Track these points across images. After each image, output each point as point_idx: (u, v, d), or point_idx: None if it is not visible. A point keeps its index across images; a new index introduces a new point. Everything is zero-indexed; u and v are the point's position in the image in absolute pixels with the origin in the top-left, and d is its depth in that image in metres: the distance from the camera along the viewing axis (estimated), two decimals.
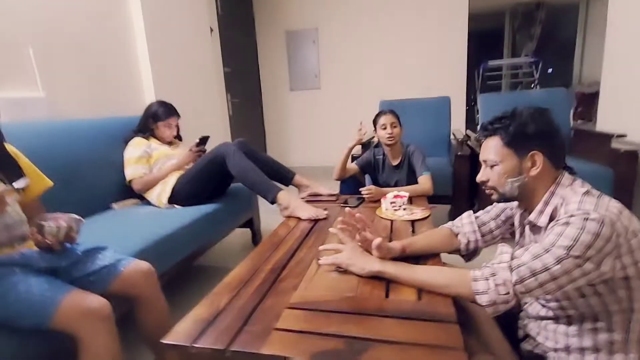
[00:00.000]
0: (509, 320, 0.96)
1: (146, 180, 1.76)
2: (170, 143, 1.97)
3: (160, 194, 1.74)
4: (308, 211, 1.42)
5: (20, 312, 0.80)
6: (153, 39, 2.35)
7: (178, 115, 1.94)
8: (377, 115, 1.85)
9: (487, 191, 0.92)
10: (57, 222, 0.90)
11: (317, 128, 4.44)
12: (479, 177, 0.92)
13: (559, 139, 0.87)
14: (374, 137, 1.87)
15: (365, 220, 0.97)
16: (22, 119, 1.54)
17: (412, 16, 3.88)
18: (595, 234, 0.70)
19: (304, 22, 4.21)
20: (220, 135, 3.17)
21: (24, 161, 1.02)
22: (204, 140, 1.88)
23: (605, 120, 2.29)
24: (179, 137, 2.06)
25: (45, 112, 1.67)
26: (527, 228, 0.93)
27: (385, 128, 1.80)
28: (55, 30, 1.78)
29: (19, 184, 0.83)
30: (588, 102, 4.98)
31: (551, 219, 0.82)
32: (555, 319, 0.85)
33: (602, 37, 2.34)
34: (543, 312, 0.88)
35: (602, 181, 1.81)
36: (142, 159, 1.79)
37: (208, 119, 2.97)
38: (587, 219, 0.71)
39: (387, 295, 0.82)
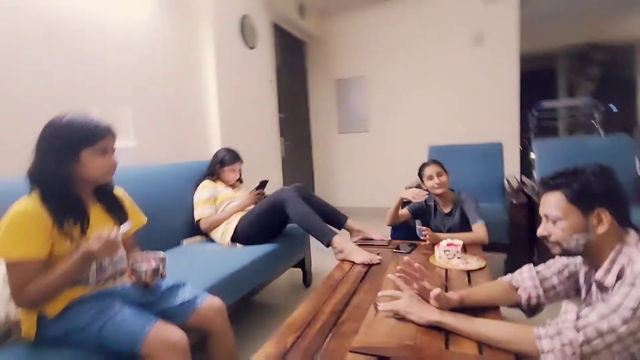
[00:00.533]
0: None
1: (212, 220, 1.93)
2: (233, 186, 2.16)
3: (223, 233, 1.90)
4: (362, 255, 1.48)
5: (116, 338, 0.93)
6: (222, 95, 2.67)
7: (241, 161, 2.15)
8: (422, 168, 1.89)
9: (549, 245, 0.92)
10: (149, 262, 1.05)
11: (364, 170, 4.55)
12: (540, 232, 0.92)
13: (624, 197, 0.88)
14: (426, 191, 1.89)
15: (423, 269, 1.01)
16: (120, 165, 1.82)
17: (460, 60, 3.97)
18: None
19: (353, 71, 4.49)
20: (274, 175, 3.38)
21: (127, 200, 1.21)
22: (263, 184, 2.06)
23: None
24: (240, 180, 2.26)
25: (136, 158, 1.95)
26: (593, 286, 0.91)
27: (431, 178, 1.83)
28: (148, 93, 2.13)
29: (125, 226, 0.99)
30: None
31: (618, 278, 0.82)
32: None
33: None
34: None
35: None
36: (209, 200, 1.98)
37: (264, 160, 3.20)
38: None
39: (447, 347, 0.84)
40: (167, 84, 2.30)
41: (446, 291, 1.08)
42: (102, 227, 1.07)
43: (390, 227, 2.03)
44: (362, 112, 4.51)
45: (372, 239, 1.78)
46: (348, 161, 4.63)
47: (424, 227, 1.63)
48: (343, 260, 1.53)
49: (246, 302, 1.69)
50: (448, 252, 1.41)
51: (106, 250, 0.92)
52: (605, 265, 0.85)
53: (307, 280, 2.24)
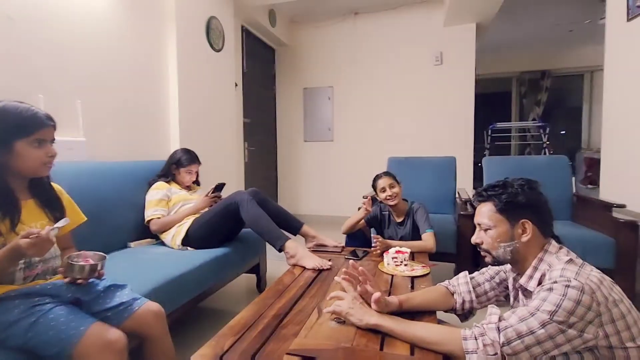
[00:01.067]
0: None
1: (163, 222, 1.87)
2: (188, 188, 2.11)
3: (174, 235, 1.84)
4: (313, 261, 1.49)
5: (47, 340, 0.87)
6: (184, 95, 2.61)
7: (199, 163, 2.11)
8: (375, 180, 1.95)
9: (482, 253, 0.99)
10: (86, 260, 1.00)
11: (328, 179, 4.60)
12: (474, 239, 1.00)
13: (547, 209, 0.95)
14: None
15: (367, 273, 1.04)
16: (65, 160, 1.72)
17: (422, 77, 4.17)
18: (576, 301, 0.75)
19: (321, 81, 4.56)
20: (234, 179, 3.33)
21: (65, 197, 1.15)
22: (219, 187, 2.02)
23: (608, 189, 2.36)
24: (197, 182, 2.21)
25: (85, 154, 1.85)
26: (520, 292, 0.98)
27: (384, 191, 1.89)
28: (100, 85, 2.03)
29: (61, 223, 0.94)
30: (595, 167, 5.04)
31: (539, 283, 0.88)
32: None
33: None
34: None
35: (605, 249, 1.84)
36: (162, 201, 1.92)
37: (225, 164, 3.15)
38: (568, 285, 0.77)
39: (381, 348, 0.86)
40: (125, 79, 2.21)
41: (389, 295, 1.12)
42: (35, 223, 1.01)
43: (345, 235, 2.06)
44: (327, 122, 4.58)
45: (326, 245, 1.80)
46: (312, 169, 4.67)
47: (377, 236, 1.68)
48: (295, 265, 1.53)
49: (194, 307, 1.65)
50: (396, 259, 1.46)
51: (36, 248, 0.86)
52: (529, 271, 0.92)
53: (260, 286, 2.22)
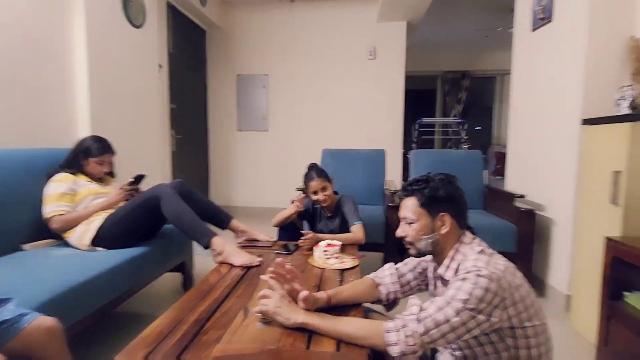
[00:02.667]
0: None
1: (67, 219, 1.63)
2: (100, 180, 1.87)
3: (82, 234, 1.62)
4: (242, 258, 1.42)
5: None
6: (95, 74, 2.29)
7: (113, 152, 1.87)
8: (307, 178, 1.91)
9: (406, 246, 1.02)
10: None
11: (262, 169, 4.49)
12: (398, 233, 1.02)
13: (463, 202, 1.02)
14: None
15: (295, 270, 1.01)
16: None
17: (356, 70, 4.25)
18: (485, 289, 0.81)
19: (256, 68, 4.40)
20: (159, 170, 3.07)
21: None
22: (138, 179, 1.82)
23: (512, 181, 2.66)
24: (111, 174, 1.97)
25: None
26: (439, 281, 1.04)
27: (316, 193, 1.88)
28: None
29: None
30: (504, 160, 5.69)
31: (456, 273, 0.94)
32: None
33: None
34: None
35: (508, 235, 2.07)
36: (65, 195, 1.67)
37: (147, 154, 2.87)
38: (479, 275, 0.83)
39: (308, 347, 0.84)
40: (18, 51, 1.86)
41: (319, 290, 1.10)
42: None
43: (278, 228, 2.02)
44: (262, 111, 4.45)
45: (256, 240, 1.74)
46: (246, 160, 4.52)
47: (307, 231, 1.66)
48: (222, 263, 1.45)
49: (107, 314, 1.47)
50: (326, 252, 1.46)
51: None
52: (446, 261, 0.97)
53: (187, 286, 2.08)
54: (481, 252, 0.92)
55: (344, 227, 1.89)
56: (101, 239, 1.59)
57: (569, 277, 1.94)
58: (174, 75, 3.53)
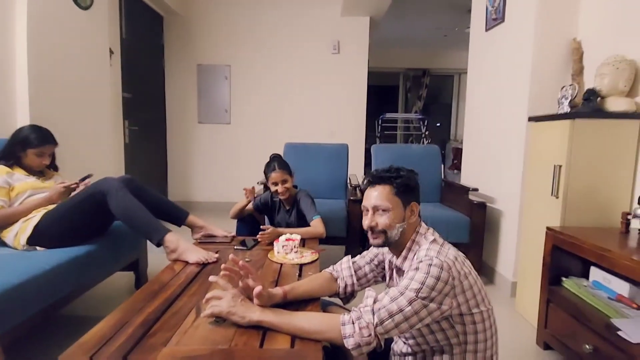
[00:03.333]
0: (383, 357, 1.05)
1: (2, 214, 1.49)
2: (40, 173, 1.72)
3: (18, 233, 1.48)
4: (197, 254, 1.37)
5: None
6: (34, 58, 2.08)
7: (55, 143, 1.72)
8: (268, 169, 1.89)
9: (372, 236, 0.98)
10: None
11: (223, 163, 4.37)
12: (369, 223, 0.97)
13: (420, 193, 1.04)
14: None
15: (248, 266, 0.98)
16: None
17: (319, 63, 4.23)
18: (436, 277, 0.83)
19: (217, 58, 4.24)
20: (110, 163, 2.88)
21: None
22: (85, 179, 1.69)
23: (467, 175, 2.78)
24: (54, 167, 1.82)
25: None
26: (395, 272, 1.05)
27: (275, 184, 1.86)
28: None
29: None
30: (461, 156, 5.96)
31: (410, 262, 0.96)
32: (414, 355, 0.97)
33: None
34: (405, 349, 0.99)
35: (462, 227, 2.17)
36: (0, 189, 1.52)
37: (98, 145, 2.69)
38: (430, 264, 0.85)
39: (262, 345, 0.82)
40: None
41: (276, 286, 1.08)
42: None
43: (236, 222, 1.98)
44: (224, 103, 4.31)
45: (214, 236, 1.68)
46: (207, 153, 4.37)
47: (266, 226, 1.63)
48: (176, 260, 1.39)
49: (50, 317, 1.36)
50: (286, 247, 1.45)
51: None
52: (404, 253, 0.99)
53: (140, 285, 1.97)
54: (433, 241, 0.94)
55: (302, 220, 1.89)
56: (39, 238, 1.47)
57: (515, 265, 2.07)
58: (127, 62, 3.31)
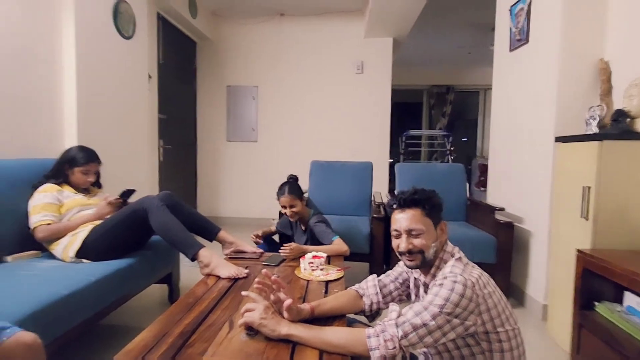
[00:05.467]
0: None
1: (53, 229, 1.62)
2: (86, 190, 1.87)
3: (67, 246, 1.61)
4: (229, 270, 1.44)
5: None
6: (83, 84, 2.29)
7: (99, 162, 1.88)
8: (279, 192, 1.98)
9: (409, 258, 0.99)
10: None
11: (250, 180, 4.51)
12: (405, 247, 0.98)
13: None
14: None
15: (281, 282, 1.04)
16: None
17: (344, 83, 4.36)
18: (461, 294, 0.86)
19: (245, 80, 4.45)
20: (147, 180, 3.06)
21: None
22: (127, 193, 1.83)
23: (493, 194, 2.75)
24: (97, 184, 1.97)
25: None
26: (421, 289, 1.08)
27: (285, 208, 1.95)
28: None
29: None
30: (487, 173, 5.84)
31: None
32: None
33: None
34: None
35: (488, 247, 2.14)
36: (51, 205, 1.67)
37: (135, 164, 2.87)
38: (455, 281, 0.88)
39: (291, 358, 0.87)
40: (4, 59, 1.86)
41: (304, 302, 1.13)
42: None
43: None
44: (251, 122, 4.49)
45: (244, 252, 1.75)
46: (235, 170, 4.53)
47: (288, 245, 1.69)
48: (209, 275, 1.46)
49: (92, 327, 1.46)
50: (312, 264, 1.49)
51: None
52: (432, 270, 1.02)
53: (173, 297, 2.07)
54: (458, 259, 0.97)
55: (314, 242, 1.94)
56: (86, 251, 1.59)
57: (545, 287, 2.01)
58: (163, 85, 3.55)
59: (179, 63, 4.03)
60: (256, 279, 1.04)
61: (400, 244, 1.00)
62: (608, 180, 1.51)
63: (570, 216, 1.68)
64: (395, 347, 0.84)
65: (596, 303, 1.45)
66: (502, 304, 0.93)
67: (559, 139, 1.81)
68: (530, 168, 2.21)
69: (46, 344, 0.99)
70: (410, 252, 0.99)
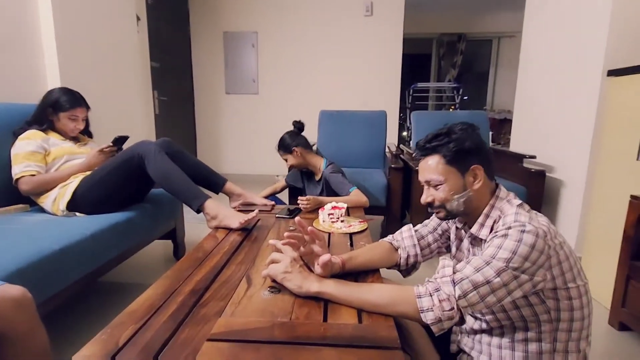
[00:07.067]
0: (444, 335, 0.94)
1: (40, 180, 1.45)
2: (75, 139, 1.67)
3: (57, 198, 1.44)
4: (238, 219, 1.27)
5: None
6: (62, 14, 2.00)
7: (87, 107, 1.66)
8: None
9: (434, 210, 0.89)
10: None
11: (253, 134, 4.28)
12: (424, 199, 0.88)
13: (489, 151, 0.89)
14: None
15: (318, 232, 0.88)
16: None
17: (352, 28, 3.98)
18: (531, 246, 0.71)
19: (244, 25, 4.07)
20: (143, 134, 2.85)
21: None
22: (120, 140, 1.62)
23: (518, 143, 2.55)
24: (88, 133, 1.77)
25: None
26: (465, 241, 0.92)
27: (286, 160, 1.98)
28: None
29: None
30: (498, 127, 5.60)
31: (492, 230, 0.82)
32: (489, 331, 0.85)
33: (510, 70, 2.62)
34: (477, 325, 0.87)
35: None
36: (36, 154, 1.48)
37: (128, 115, 2.64)
38: (523, 231, 0.72)
39: (325, 319, 0.73)
40: None
41: None
42: None
43: None
44: (252, 72, 4.17)
45: (254, 204, 1.60)
46: (236, 125, 4.29)
47: (304, 197, 1.54)
48: (217, 228, 1.31)
49: (91, 285, 1.34)
50: (332, 216, 1.34)
51: None
52: (480, 219, 0.85)
53: (179, 254, 1.95)
54: (520, 205, 0.81)
55: (330, 193, 1.83)
56: (78, 204, 1.42)
57: (578, 239, 1.88)
58: (153, 30, 3.21)
59: (169, 5, 3.64)
60: (286, 233, 0.87)
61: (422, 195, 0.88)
62: None
63: (622, 160, 1.50)
64: (452, 309, 0.70)
65: None
66: (573, 257, 0.79)
67: (611, 72, 1.58)
68: (569, 111, 1.99)
69: (39, 303, 0.86)
70: (430, 205, 0.87)
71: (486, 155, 0.86)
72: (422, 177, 0.88)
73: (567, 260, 0.77)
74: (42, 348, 0.80)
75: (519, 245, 0.71)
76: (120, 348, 0.62)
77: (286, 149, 1.93)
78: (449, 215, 0.87)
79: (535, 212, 0.83)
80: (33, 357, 0.78)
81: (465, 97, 7.09)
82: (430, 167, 0.85)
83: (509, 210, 0.80)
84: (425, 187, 0.88)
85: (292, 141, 1.93)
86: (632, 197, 1.34)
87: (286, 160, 1.95)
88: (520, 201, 0.84)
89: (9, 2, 1.80)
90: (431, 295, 0.72)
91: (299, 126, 2.00)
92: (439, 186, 0.85)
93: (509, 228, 0.74)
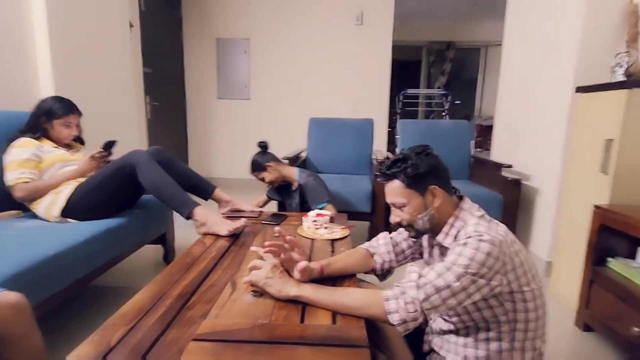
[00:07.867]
0: (416, 336, 1.02)
1: (34, 187, 1.49)
2: (68, 146, 1.72)
3: (50, 204, 1.49)
4: (226, 226, 1.34)
5: None
6: (56, 21, 2.05)
7: (79, 113, 1.70)
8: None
9: (405, 229, 0.97)
10: None
11: (244, 139, 4.33)
12: (393, 220, 0.97)
13: (444, 169, 0.96)
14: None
15: (296, 241, 0.95)
16: None
17: (342, 36, 4.07)
18: (487, 253, 0.78)
19: (236, 32, 4.13)
20: (135, 139, 2.89)
21: None
22: (109, 145, 1.68)
23: (497, 151, 2.66)
24: (80, 140, 1.82)
25: None
26: (435, 249, 1.00)
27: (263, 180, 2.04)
28: None
29: None
30: (485, 133, 5.74)
31: (455, 239, 0.90)
32: (456, 332, 0.93)
33: (497, 77, 2.73)
34: (445, 326, 0.95)
35: (495, 204, 2.08)
36: (29, 162, 1.52)
37: (120, 120, 2.68)
38: (481, 240, 0.79)
39: (302, 320, 0.79)
40: None
41: (309, 261, 1.05)
42: None
43: None
44: (243, 78, 4.23)
45: (242, 211, 1.66)
46: (227, 130, 4.34)
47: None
48: (206, 234, 1.37)
49: (83, 289, 1.38)
50: (316, 222, 1.41)
51: None
52: (445, 228, 0.93)
53: (169, 258, 2.00)
54: (481, 217, 0.89)
55: (303, 204, 1.92)
56: (71, 210, 1.47)
57: (550, 245, 1.98)
58: (146, 36, 3.26)
59: (162, 12, 3.69)
60: (266, 242, 0.94)
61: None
62: (633, 133, 1.41)
63: (588, 171, 1.59)
64: (416, 310, 0.77)
65: (609, 259, 1.41)
66: (528, 263, 0.87)
67: (580, 89, 1.68)
68: (542, 123, 2.10)
69: (34, 305, 0.91)
70: (400, 225, 0.96)
71: (441, 174, 0.93)
72: (388, 200, 0.96)
73: (521, 266, 0.84)
74: (37, 349, 0.85)
75: (476, 253, 0.78)
76: (112, 348, 0.68)
77: (260, 168, 2.00)
78: (419, 234, 0.95)
79: (496, 222, 0.91)
80: (29, 358, 0.84)
81: (458, 102, 7.24)
82: (394, 191, 0.93)
83: (471, 221, 0.88)
84: (392, 208, 0.96)
85: (263, 159, 2.00)
86: (595, 206, 1.44)
87: (263, 179, 2.01)
88: (482, 212, 0.91)
89: (2, 10, 1.84)
90: (397, 299, 0.79)
91: (263, 145, 2.07)
92: (403, 207, 0.92)
93: (469, 237, 0.82)
